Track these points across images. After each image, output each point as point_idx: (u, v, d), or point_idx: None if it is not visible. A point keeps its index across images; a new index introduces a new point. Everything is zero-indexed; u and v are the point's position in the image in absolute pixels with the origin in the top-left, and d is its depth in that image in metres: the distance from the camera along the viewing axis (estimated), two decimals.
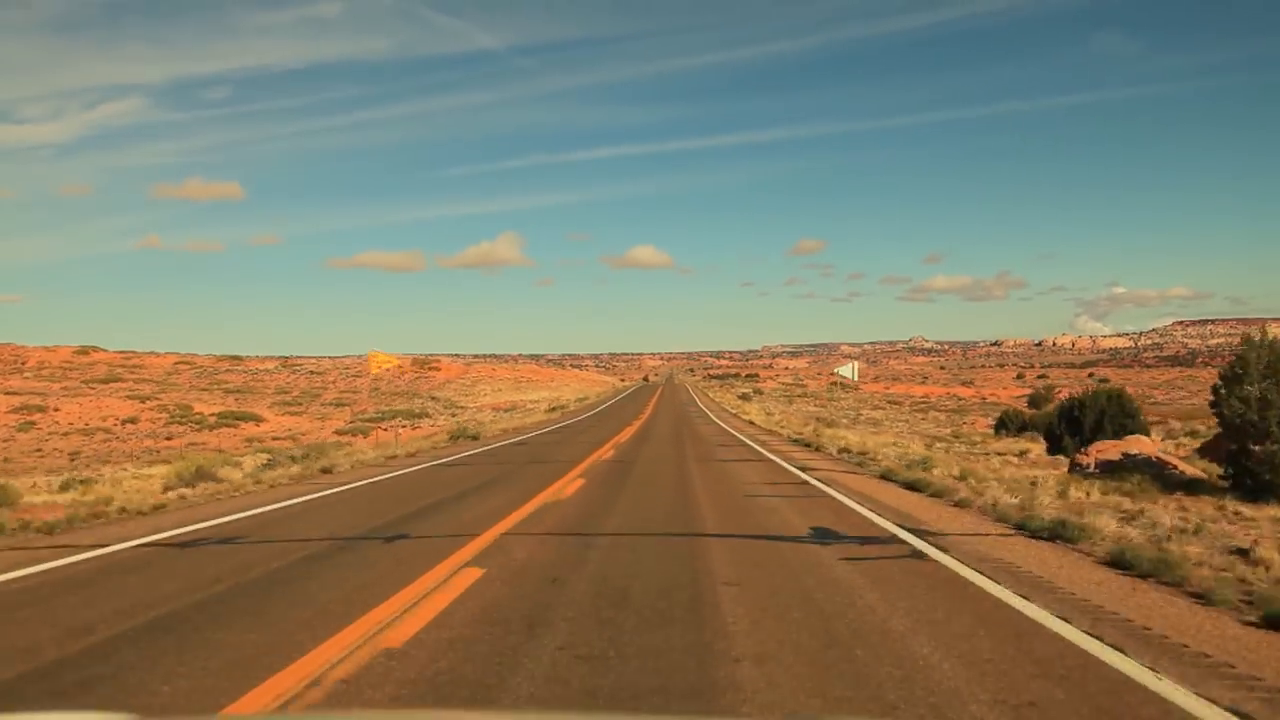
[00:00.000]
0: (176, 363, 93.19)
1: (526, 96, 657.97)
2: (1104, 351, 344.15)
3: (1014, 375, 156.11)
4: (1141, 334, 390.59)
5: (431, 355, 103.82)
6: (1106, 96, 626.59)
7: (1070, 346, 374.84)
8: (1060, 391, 63.79)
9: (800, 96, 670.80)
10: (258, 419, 48.58)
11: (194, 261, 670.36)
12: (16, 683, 4.49)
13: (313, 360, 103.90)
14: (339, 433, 38.01)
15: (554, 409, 45.12)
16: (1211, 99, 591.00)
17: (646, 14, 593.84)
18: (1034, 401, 59.41)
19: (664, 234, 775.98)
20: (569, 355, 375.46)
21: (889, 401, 68.64)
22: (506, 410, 48.04)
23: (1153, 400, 66.11)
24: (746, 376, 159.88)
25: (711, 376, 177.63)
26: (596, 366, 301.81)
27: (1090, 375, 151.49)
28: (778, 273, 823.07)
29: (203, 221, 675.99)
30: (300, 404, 61.09)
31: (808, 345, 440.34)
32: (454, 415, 46.97)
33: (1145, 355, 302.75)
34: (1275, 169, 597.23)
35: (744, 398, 68.93)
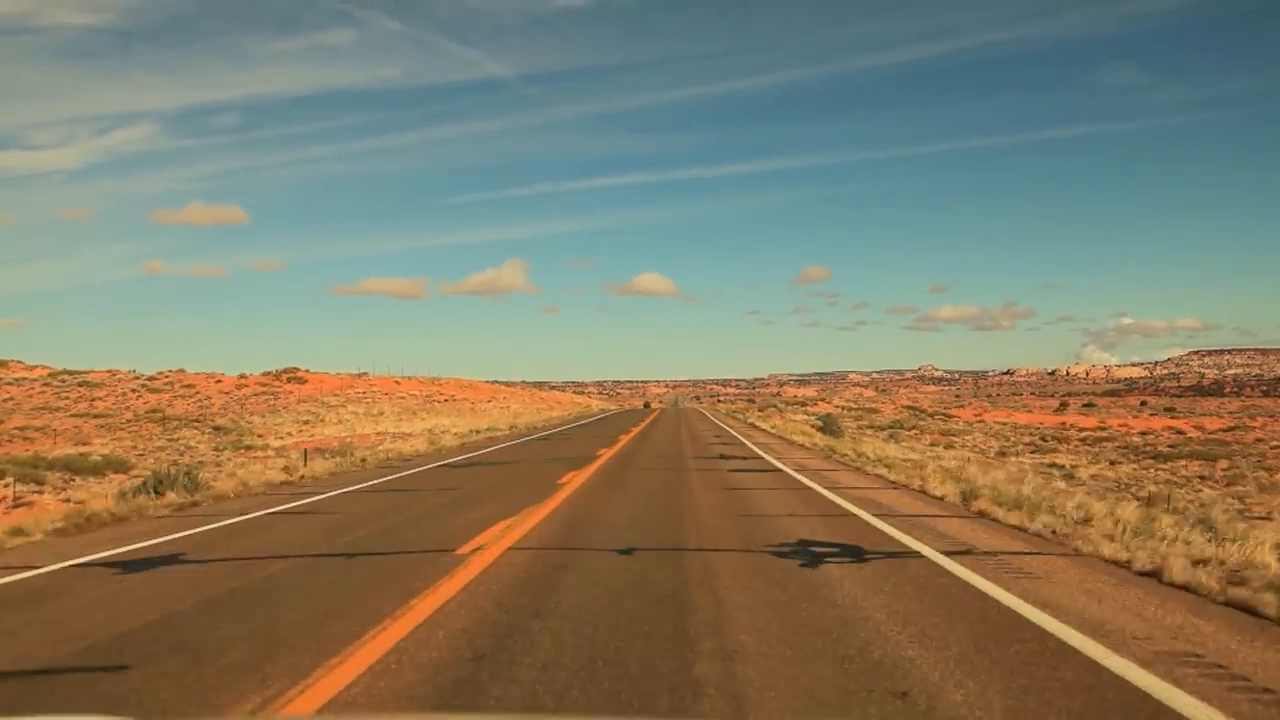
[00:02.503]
0: None
1: (534, 124, 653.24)
2: (1120, 381, 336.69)
3: (1056, 404, 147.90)
4: (1157, 364, 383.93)
5: (295, 368, 76.44)
6: (1113, 128, 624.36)
7: (1084, 375, 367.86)
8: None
9: (806, 126, 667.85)
10: None
11: (197, 286, 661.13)
12: None
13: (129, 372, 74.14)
14: None
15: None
16: (1218, 131, 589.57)
17: (654, 44, 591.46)
18: None
19: (669, 262, 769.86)
20: (573, 382, 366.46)
21: (1051, 438, 50.23)
22: (333, 453, 21.55)
23: None
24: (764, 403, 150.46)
25: (741, 400, 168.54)
26: (600, 393, 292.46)
27: (1143, 404, 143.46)
28: (783, 301, 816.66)
29: (206, 247, 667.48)
30: None
31: (815, 373, 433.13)
32: (220, 466, 21.84)
33: (1165, 385, 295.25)
34: None
35: (826, 429, 39.89)
